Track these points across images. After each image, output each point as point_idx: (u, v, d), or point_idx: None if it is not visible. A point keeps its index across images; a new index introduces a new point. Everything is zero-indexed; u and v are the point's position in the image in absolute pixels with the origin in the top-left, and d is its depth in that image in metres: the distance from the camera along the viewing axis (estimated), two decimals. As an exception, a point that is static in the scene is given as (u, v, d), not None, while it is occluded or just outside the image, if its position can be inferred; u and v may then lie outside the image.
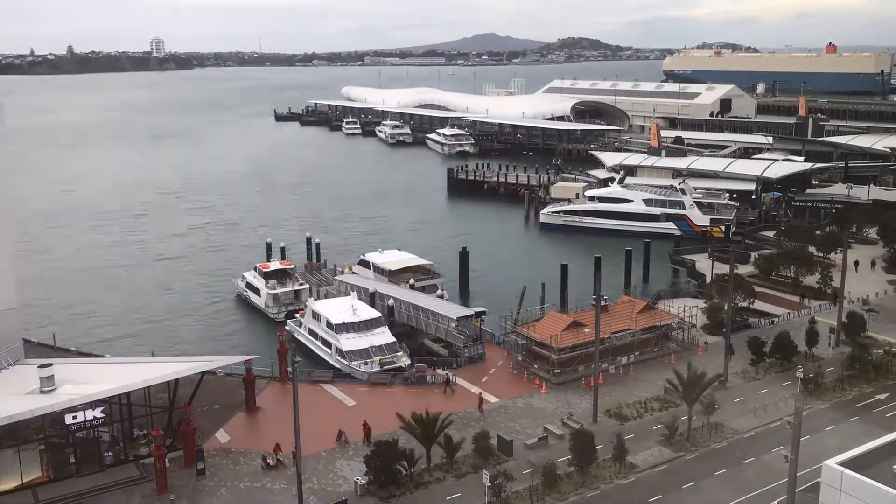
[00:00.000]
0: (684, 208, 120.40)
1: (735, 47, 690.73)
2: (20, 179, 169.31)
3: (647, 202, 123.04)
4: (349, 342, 71.67)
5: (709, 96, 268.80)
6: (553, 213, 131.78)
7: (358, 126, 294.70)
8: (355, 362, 70.05)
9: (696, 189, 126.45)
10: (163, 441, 51.58)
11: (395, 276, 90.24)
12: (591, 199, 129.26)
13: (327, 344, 74.53)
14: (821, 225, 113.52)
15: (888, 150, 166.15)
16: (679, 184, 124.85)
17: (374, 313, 76.37)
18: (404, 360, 71.17)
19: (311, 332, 78.47)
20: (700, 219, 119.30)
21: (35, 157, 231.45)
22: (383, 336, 73.16)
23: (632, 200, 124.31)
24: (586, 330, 67.22)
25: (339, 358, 71.88)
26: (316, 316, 77.78)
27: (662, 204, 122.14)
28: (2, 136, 73.59)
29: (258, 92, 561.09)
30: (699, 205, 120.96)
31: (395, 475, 51.09)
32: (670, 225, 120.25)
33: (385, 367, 69.85)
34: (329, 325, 74.39)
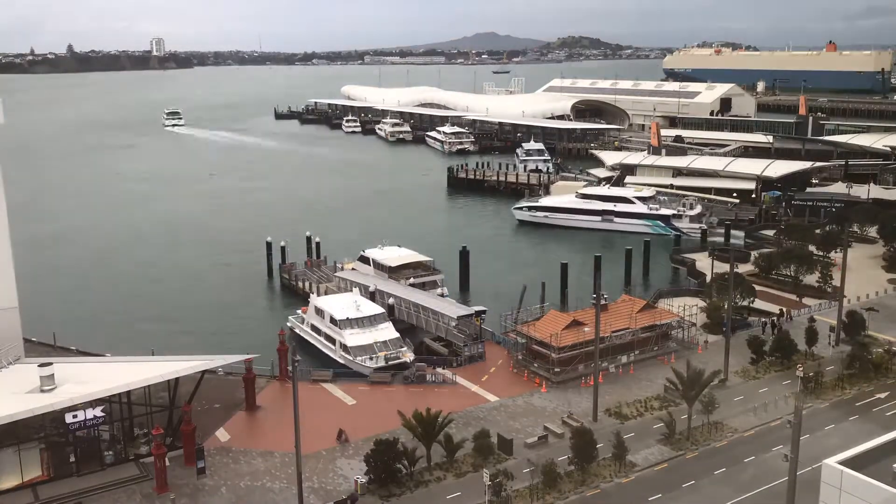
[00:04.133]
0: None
1: (735, 46, 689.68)
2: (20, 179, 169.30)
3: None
4: (353, 338, 71.66)
5: (709, 95, 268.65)
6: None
7: (358, 124, 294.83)
8: (360, 357, 70.16)
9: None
10: (163, 440, 51.62)
11: (396, 272, 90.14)
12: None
13: (331, 340, 74.51)
14: (821, 224, 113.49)
15: (888, 148, 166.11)
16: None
17: (377, 309, 76.47)
18: (409, 356, 71.30)
19: (314, 328, 78.47)
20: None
21: (31, 157, 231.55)
22: (387, 331, 73.13)
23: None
24: (586, 329, 67.22)
25: (343, 353, 71.85)
26: (319, 312, 77.68)
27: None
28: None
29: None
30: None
31: (395, 474, 51.11)
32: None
33: (390, 363, 69.97)
34: (333, 320, 74.30)
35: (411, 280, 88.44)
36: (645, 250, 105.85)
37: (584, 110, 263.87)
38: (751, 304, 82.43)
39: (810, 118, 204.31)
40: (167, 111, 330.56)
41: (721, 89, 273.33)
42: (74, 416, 50.92)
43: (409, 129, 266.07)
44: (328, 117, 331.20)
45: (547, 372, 66.82)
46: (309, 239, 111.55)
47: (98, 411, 51.77)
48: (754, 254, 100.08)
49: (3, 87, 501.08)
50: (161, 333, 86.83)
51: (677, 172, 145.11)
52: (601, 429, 56.90)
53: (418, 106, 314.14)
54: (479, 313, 75.84)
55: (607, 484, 51.44)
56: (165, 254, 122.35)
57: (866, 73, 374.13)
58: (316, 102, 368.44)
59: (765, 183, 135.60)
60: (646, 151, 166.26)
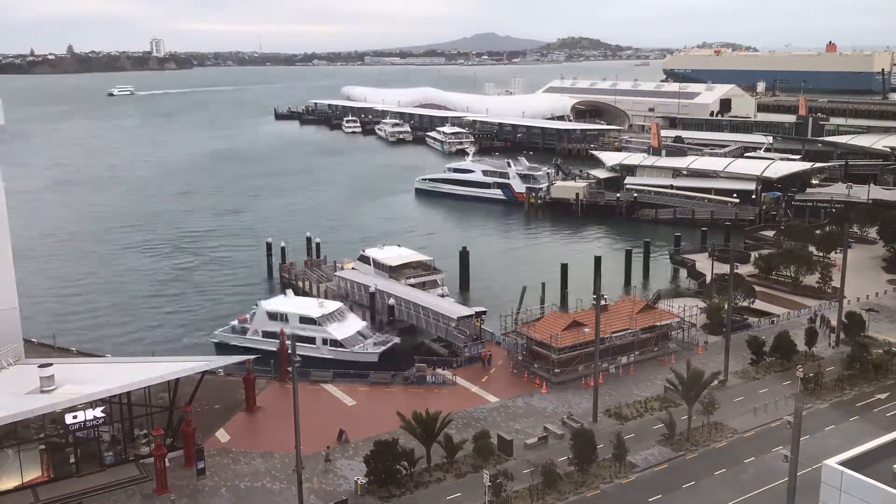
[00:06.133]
0: (508, 178, 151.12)
1: (735, 46, 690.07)
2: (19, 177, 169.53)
3: (484, 173, 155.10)
4: (340, 330, 72.43)
5: (709, 96, 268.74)
6: (422, 180, 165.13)
7: (358, 124, 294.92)
8: (357, 346, 71.27)
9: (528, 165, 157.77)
10: (163, 441, 51.64)
11: (396, 271, 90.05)
12: (449, 170, 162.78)
13: (309, 340, 73.81)
14: (821, 224, 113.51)
15: (888, 149, 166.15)
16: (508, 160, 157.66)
17: (336, 303, 78.95)
18: (395, 339, 75.06)
19: (267, 335, 76.27)
20: (519, 186, 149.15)
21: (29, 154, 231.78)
22: (357, 321, 76.66)
23: (473, 171, 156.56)
24: (586, 329, 67.22)
25: (333, 348, 72.42)
26: (278, 316, 76.66)
27: (493, 174, 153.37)
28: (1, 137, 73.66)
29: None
30: (521, 176, 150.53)
31: (395, 475, 51.12)
32: (498, 191, 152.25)
33: (388, 345, 73.15)
34: (307, 319, 74.74)
35: (411, 280, 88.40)
36: (645, 250, 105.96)
37: (584, 111, 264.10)
38: (751, 305, 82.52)
39: (810, 119, 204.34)
40: None
41: (721, 90, 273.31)
42: (74, 417, 50.92)
43: (409, 129, 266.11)
44: (328, 118, 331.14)
45: (547, 372, 66.82)
46: (309, 239, 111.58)
47: (98, 412, 51.77)
48: (754, 254, 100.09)
49: (3, 86, 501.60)
50: (161, 334, 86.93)
51: (677, 173, 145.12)
52: (601, 429, 56.91)
53: (418, 106, 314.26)
54: (479, 314, 75.83)
55: (607, 485, 51.43)
56: (165, 255, 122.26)
57: (866, 73, 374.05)
58: (316, 103, 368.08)
59: (765, 183, 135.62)
60: (646, 152, 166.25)
